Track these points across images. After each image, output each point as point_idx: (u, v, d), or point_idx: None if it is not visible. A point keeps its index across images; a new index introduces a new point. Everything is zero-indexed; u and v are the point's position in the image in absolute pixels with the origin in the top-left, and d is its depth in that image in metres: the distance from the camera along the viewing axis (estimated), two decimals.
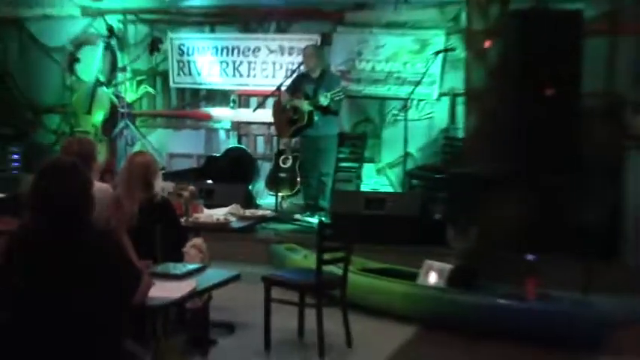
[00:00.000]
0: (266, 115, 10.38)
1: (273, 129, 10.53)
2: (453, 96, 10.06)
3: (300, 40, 10.53)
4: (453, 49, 9.98)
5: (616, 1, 8.98)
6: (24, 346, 3.47)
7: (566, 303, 6.28)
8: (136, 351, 3.76)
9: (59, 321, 3.39)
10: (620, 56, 8.89)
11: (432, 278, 6.68)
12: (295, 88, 9.67)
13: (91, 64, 11.60)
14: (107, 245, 3.63)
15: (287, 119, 9.70)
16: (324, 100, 9.21)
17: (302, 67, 9.82)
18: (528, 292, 6.17)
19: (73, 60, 11.86)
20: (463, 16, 9.46)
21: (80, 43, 11.90)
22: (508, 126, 8.51)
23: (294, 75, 9.89)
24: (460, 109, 9.71)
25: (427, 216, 8.77)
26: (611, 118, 8.68)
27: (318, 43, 10.38)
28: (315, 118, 9.45)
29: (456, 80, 9.84)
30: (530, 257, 6.23)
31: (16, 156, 11.02)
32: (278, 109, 9.84)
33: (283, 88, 9.79)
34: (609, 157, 8.31)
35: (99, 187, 4.86)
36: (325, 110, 9.36)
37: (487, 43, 8.74)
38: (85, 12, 11.77)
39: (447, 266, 6.69)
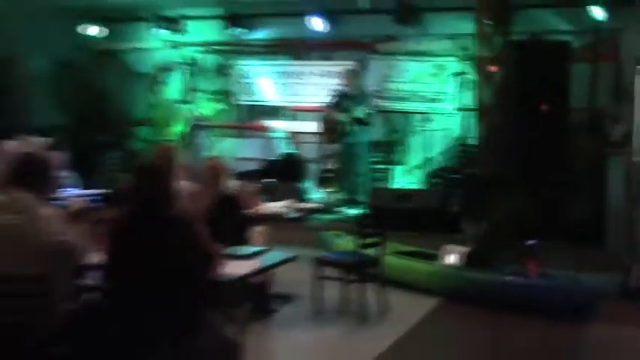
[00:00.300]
0: (313, 126, 10.33)
1: (319, 137, 10.48)
2: (466, 111, 9.96)
3: (341, 66, 10.48)
4: (464, 73, 9.92)
5: (597, 35, 9.03)
6: (123, 307, 3.47)
7: (561, 279, 6.24)
8: (211, 315, 3.74)
9: (151, 287, 3.37)
10: (601, 78, 9.00)
11: (451, 259, 6.64)
12: (337, 104, 9.64)
13: (173, 86, 11.68)
14: (186, 230, 3.63)
15: (330, 129, 9.69)
16: (359, 113, 9.22)
17: (342, 88, 9.77)
18: (530, 270, 6.14)
19: (159, 83, 11.92)
20: (472, 46, 9.35)
21: (164, 69, 11.96)
22: (511, 135, 8.44)
23: (336, 94, 9.83)
24: (471, 122, 9.60)
25: (446, 208, 8.72)
26: (594, 128, 8.68)
27: (356, 68, 10.34)
28: (352, 128, 9.41)
29: (468, 98, 9.76)
30: (531, 243, 6.24)
31: (115, 160, 11.11)
32: (325, 121, 9.82)
33: (328, 105, 9.75)
34: (593, 160, 8.24)
35: (181, 185, 4.85)
36: (360, 122, 9.33)
37: (493, 68, 8.68)
38: (169, 45, 11.82)
39: (463, 249, 6.63)
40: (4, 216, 3.65)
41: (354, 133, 9.49)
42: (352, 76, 9.78)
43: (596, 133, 8.64)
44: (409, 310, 6.10)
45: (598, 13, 8.92)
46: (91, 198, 6.00)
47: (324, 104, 9.87)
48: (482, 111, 8.94)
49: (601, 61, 9.06)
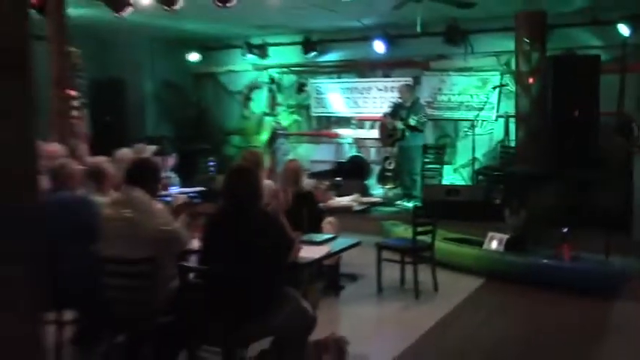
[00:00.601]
0: (375, 132, 10.28)
1: (379, 142, 10.43)
2: (507, 118, 9.77)
3: (399, 82, 10.40)
4: (506, 85, 9.74)
5: (624, 49, 8.70)
6: (217, 288, 3.51)
7: (592, 263, 6.04)
8: (291, 292, 3.76)
9: (239, 269, 3.42)
10: (628, 88, 8.64)
11: (494, 245, 6.49)
12: (394, 113, 9.57)
13: (260, 102, 11.80)
14: (270, 221, 3.66)
15: (388, 134, 9.64)
16: (412, 121, 9.17)
17: (399, 99, 9.70)
18: (564, 254, 5.93)
19: (248, 99, 12.08)
20: (513, 61, 9.18)
21: (252, 87, 12.10)
22: (547, 138, 8.25)
23: (393, 104, 9.77)
24: (512, 127, 9.42)
25: (490, 201, 8.55)
26: (622, 131, 8.39)
27: (411, 83, 10.26)
28: (407, 134, 9.35)
29: (509, 106, 9.58)
30: (565, 230, 6.01)
31: (211, 163, 11.31)
32: (382, 128, 9.77)
33: (386, 114, 9.70)
34: (622, 158, 7.96)
35: (266, 183, 4.89)
36: (413, 129, 9.26)
37: (531, 80, 8.54)
38: (255, 67, 11.96)
39: (505, 236, 6.47)
40: (122, 210, 3.76)
41: (409, 137, 9.39)
42: (407, 89, 9.70)
43: (624, 134, 8.36)
44: (457, 288, 6.00)
45: (625, 30, 8.62)
46: (192, 195, 6.14)
47: (383, 115, 9.82)
48: (521, 117, 8.78)
49: (628, 72, 8.74)
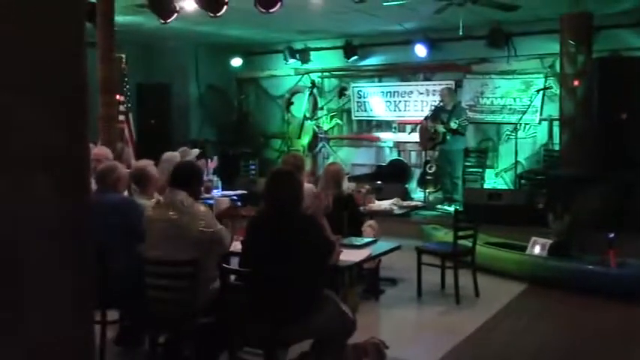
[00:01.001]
0: (416, 136, 10.23)
1: (419, 145, 10.37)
2: (551, 121, 9.63)
3: (440, 85, 10.34)
4: (550, 87, 9.62)
5: None
6: (258, 290, 3.54)
7: (638, 268, 5.80)
8: (331, 295, 3.76)
9: (280, 271, 3.44)
10: None
11: (537, 250, 6.38)
12: (435, 117, 9.50)
13: (301, 106, 11.87)
14: (310, 224, 3.67)
15: (429, 138, 9.57)
16: (453, 125, 9.09)
17: (440, 103, 9.63)
18: (611, 260, 5.78)
19: (289, 103, 12.16)
20: (557, 64, 9.03)
21: (294, 92, 12.18)
22: (592, 140, 8.09)
23: (434, 108, 9.70)
24: (556, 130, 9.27)
25: (533, 205, 8.40)
26: None
27: (453, 86, 10.18)
28: (448, 137, 9.27)
29: (553, 109, 9.45)
30: (610, 235, 5.84)
31: (253, 166, 11.42)
32: (423, 132, 9.70)
33: (427, 117, 9.64)
34: None
35: (307, 186, 4.91)
36: (455, 132, 9.17)
37: (576, 82, 8.40)
38: (297, 72, 12.04)
39: (548, 241, 6.36)
40: (167, 212, 3.84)
41: (450, 141, 9.30)
42: (448, 93, 9.63)
43: None
44: (498, 293, 5.90)
45: None
46: (233, 198, 6.21)
47: (425, 118, 9.75)
48: (566, 120, 8.62)
49: None
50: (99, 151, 5.72)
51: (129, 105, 9.37)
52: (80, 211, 1.79)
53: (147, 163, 4.85)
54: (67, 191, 1.74)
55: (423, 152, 10.19)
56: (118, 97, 7.87)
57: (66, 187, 1.73)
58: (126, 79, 9.43)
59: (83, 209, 1.81)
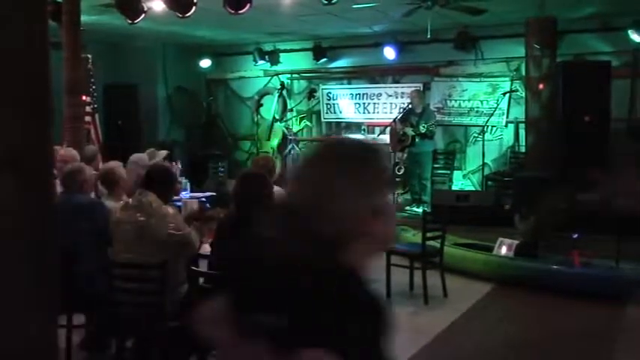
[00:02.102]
0: (386, 138, 10.26)
1: (388, 147, 10.43)
2: (517, 123, 9.77)
3: (409, 88, 10.40)
4: (516, 90, 9.75)
5: (635, 55, 8.76)
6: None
7: (602, 268, 6.00)
8: None
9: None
10: (638, 92, 8.68)
11: (504, 250, 6.46)
12: (404, 119, 9.55)
13: (270, 107, 11.83)
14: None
15: (398, 140, 9.62)
16: (422, 129, 9.13)
17: (409, 105, 9.69)
18: (574, 260, 5.88)
19: (259, 105, 12.10)
20: (523, 67, 9.18)
21: (263, 93, 12.14)
22: (557, 143, 8.23)
23: (404, 110, 9.76)
24: (522, 133, 9.40)
25: (499, 206, 8.53)
26: (633, 135, 8.31)
27: (421, 89, 10.25)
28: (416, 140, 9.32)
29: (519, 112, 9.59)
30: (574, 235, 5.96)
31: (222, 168, 11.34)
32: (392, 134, 9.75)
33: (396, 120, 9.69)
34: (632, 162, 7.88)
35: (276, 190, 4.88)
36: (423, 135, 9.23)
37: (541, 86, 8.53)
38: (266, 73, 12.00)
39: (514, 242, 6.44)
40: (135, 214, 3.79)
41: (419, 143, 9.35)
42: (416, 95, 9.67)
43: (635, 138, 8.31)
44: (466, 294, 5.97)
45: (635, 36, 8.59)
46: (203, 200, 6.15)
47: (393, 120, 9.79)
48: (531, 123, 8.76)
49: (638, 77, 8.70)
50: (65, 153, 5.61)
51: (95, 106, 9.23)
52: (43, 213, 1.75)
53: (115, 165, 4.78)
54: (29, 192, 1.70)
55: (392, 154, 10.25)
56: (84, 97, 7.74)
57: (28, 187, 1.70)
58: (92, 79, 9.28)
59: (46, 210, 1.78)
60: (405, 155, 9.78)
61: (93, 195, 4.69)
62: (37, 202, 1.73)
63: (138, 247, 3.68)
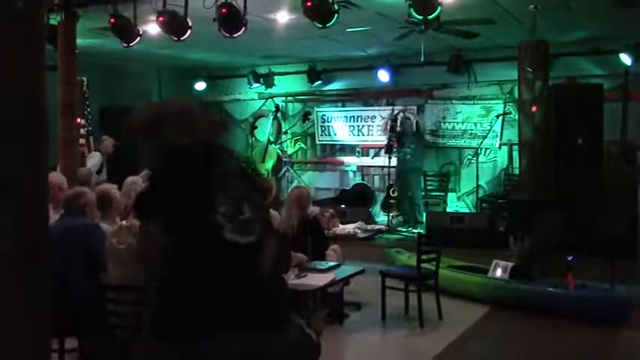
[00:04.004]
0: (380, 160, 10.32)
1: (385, 169, 10.47)
2: (510, 145, 9.83)
3: (402, 111, 10.48)
4: (509, 113, 9.84)
5: (626, 77, 8.80)
6: None
7: (597, 291, 5.96)
8: (295, 318, 3.73)
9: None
10: (630, 115, 8.67)
11: (499, 272, 6.44)
12: (396, 140, 9.71)
13: (265, 130, 11.87)
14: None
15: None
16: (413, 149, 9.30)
17: (400, 128, 9.81)
18: (569, 282, 5.88)
19: (253, 127, 12.14)
20: (516, 90, 9.25)
21: (257, 116, 12.18)
22: (550, 165, 8.26)
23: (395, 133, 9.88)
24: (516, 155, 9.44)
25: (494, 228, 8.53)
26: (625, 157, 8.37)
27: (415, 112, 10.33)
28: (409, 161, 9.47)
29: (513, 134, 9.63)
30: (569, 257, 5.95)
31: None
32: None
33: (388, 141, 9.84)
34: (626, 184, 7.93)
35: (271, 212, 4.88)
36: (415, 155, 9.41)
37: (534, 108, 8.57)
38: (261, 96, 12.07)
39: (509, 264, 6.43)
40: (128, 236, 3.78)
41: (407, 161, 9.45)
42: (407, 118, 9.80)
43: (628, 161, 8.37)
44: (461, 316, 5.94)
45: (626, 59, 8.70)
46: None
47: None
48: (524, 145, 8.80)
49: (630, 101, 8.79)
50: (52, 177, 5.57)
51: (90, 128, 9.24)
52: (36, 236, 1.75)
53: (109, 187, 4.77)
54: (23, 216, 1.70)
55: (386, 176, 10.28)
56: (78, 120, 7.75)
57: (23, 211, 1.70)
58: (87, 102, 9.31)
59: (39, 234, 1.77)
60: (399, 178, 9.84)
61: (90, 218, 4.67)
62: (31, 226, 1.73)
63: (132, 269, 3.66)
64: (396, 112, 10.17)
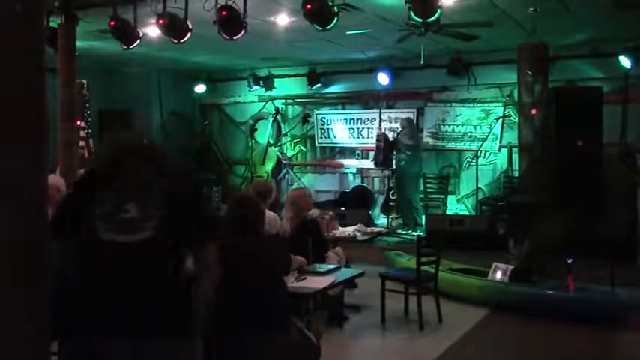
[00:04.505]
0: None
1: (385, 172, 10.48)
2: (510, 148, 9.84)
3: (403, 113, 10.50)
4: (509, 116, 9.85)
5: (625, 80, 8.88)
6: (226, 304, 3.48)
7: (597, 293, 5.97)
8: (296, 321, 3.75)
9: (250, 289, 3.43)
10: (630, 117, 8.79)
11: (498, 275, 6.44)
12: (394, 143, 9.72)
13: (264, 132, 11.88)
14: (272, 245, 3.69)
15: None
16: (412, 152, 9.31)
17: (400, 131, 9.83)
18: (569, 285, 5.87)
19: (253, 130, 12.15)
20: (515, 92, 9.26)
21: (257, 118, 12.20)
22: (550, 167, 8.26)
23: (394, 136, 9.91)
24: (515, 157, 9.45)
25: (493, 231, 8.55)
26: (625, 159, 8.40)
27: (415, 115, 10.36)
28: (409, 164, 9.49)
29: (512, 137, 9.65)
30: (569, 260, 5.95)
31: (217, 193, 11.33)
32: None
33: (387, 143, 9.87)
34: (626, 186, 7.93)
35: (268, 214, 4.88)
36: (414, 158, 9.42)
37: (533, 111, 8.59)
38: (261, 98, 12.08)
39: (509, 266, 6.43)
40: None
41: (405, 166, 9.46)
42: (407, 121, 9.81)
43: (626, 163, 8.37)
44: (461, 319, 5.93)
45: (626, 62, 8.72)
46: None
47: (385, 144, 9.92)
48: (524, 147, 8.81)
49: (629, 103, 8.81)
50: (50, 180, 5.56)
51: (89, 131, 9.25)
52: (36, 236, 1.75)
53: None
54: (23, 216, 1.70)
55: (386, 179, 10.28)
56: (78, 122, 7.75)
57: (23, 212, 1.70)
58: (87, 104, 9.32)
59: (39, 234, 1.77)
60: (398, 180, 9.85)
61: None
62: (31, 226, 1.73)
63: None
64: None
